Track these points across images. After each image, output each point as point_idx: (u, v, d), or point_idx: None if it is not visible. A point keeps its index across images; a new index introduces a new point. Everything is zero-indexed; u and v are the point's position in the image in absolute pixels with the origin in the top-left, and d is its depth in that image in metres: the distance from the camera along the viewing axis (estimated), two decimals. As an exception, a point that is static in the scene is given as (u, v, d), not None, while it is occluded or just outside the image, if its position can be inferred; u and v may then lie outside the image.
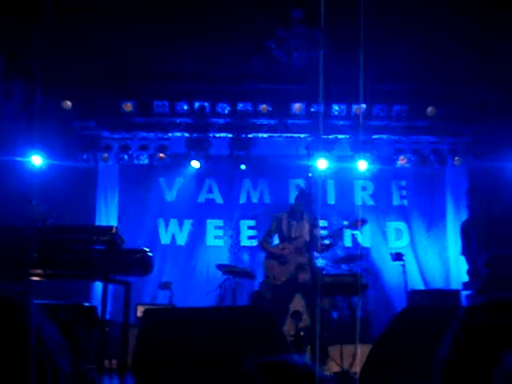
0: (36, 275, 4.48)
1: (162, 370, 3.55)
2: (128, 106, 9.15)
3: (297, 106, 8.87)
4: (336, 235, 7.56)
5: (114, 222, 9.04)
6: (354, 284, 6.17)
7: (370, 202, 9.59)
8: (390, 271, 8.86)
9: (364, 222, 7.26)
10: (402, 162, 9.30)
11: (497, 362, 1.06)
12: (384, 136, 9.29)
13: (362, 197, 9.61)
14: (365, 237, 9.43)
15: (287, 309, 6.68)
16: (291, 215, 7.38)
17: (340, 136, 9.21)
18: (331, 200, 9.51)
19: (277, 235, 7.52)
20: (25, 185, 7.56)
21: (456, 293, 7.66)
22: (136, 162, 9.54)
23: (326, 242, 7.36)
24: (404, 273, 8.13)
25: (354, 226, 7.26)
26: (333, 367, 5.92)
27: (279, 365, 1.37)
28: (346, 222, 7.92)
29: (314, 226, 7.18)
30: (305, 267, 7.05)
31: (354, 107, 8.99)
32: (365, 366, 4.84)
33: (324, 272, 7.38)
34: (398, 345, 4.26)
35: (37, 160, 8.81)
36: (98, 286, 6.89)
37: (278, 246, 7.42)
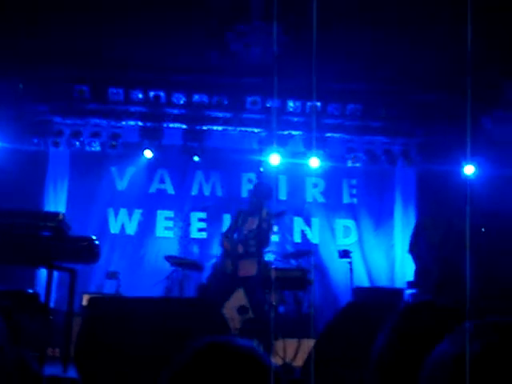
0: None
1: (106, 361, 3.53)
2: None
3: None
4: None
5: (62, 209, 8.87)
6: (302, 279, 6.24)
7: (321, 199, 9.70)
8: (337, 268, 8.97)
9: (282, 214, 7.42)
10: (353, 160, 9.43)
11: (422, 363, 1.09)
12: (337, 134, 9.39)
13: (313, 194, 9.70)
14: (314, 233, 9.53)
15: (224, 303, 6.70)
16: (250, 210, 7.37)
17: (294, 132, 9.26)
18: (283, 196, 9.58)
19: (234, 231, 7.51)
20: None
21: (400, 291, 7.81)
22: (88, 148, 9.39)
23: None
24: (351, 270, 8.24)
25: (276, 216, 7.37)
26: (276, 360, 5.98)
27: (223, 345, 1.35)
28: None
29: (264, 220, 7.18)
30: (246, 261, 7.06)
31: (309, 104, 9.06)
32: (307, 359, 4.92)
33: (273, 266, 7.43)
34: (340, 338, 4.34)
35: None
36: (43, 272, 6.79)
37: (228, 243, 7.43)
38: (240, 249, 7.20)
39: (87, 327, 3.60)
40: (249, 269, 7.03)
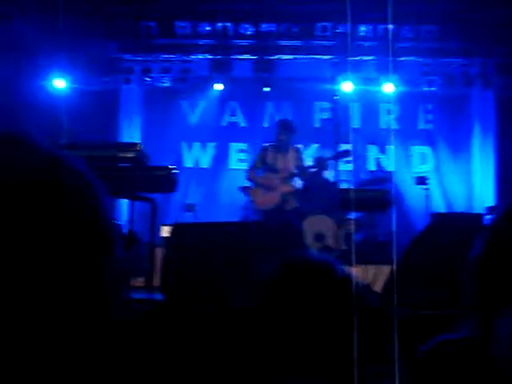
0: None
1: (190, 285, 3.60)
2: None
3: None
4: (320, 164, 7.39)
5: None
6: (382, 200, 6.11)
7: (395, 126, 9.45)
8: (414, 195, 8.82)
9: (346, 153, 7.13)
10: (428, 85, 9.10)
11: None
12: (411, 58, 9.05)
13: (387, 120, 9.47)
14: (389, 161, 9.35)
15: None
16: (276, 147, 7.20)
17: (366, 58, 8.99)
18: (356, 123, 9.39)
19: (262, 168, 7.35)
20: (49, 106, 7.53)
21: (479, 217, 7.61)
22: (159, 84, 9.45)
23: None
24: (427, 197, 8.08)
25: (336, 157, 7.10)
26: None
27: (303, 259, 1.33)
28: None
29: (298, 157, 7.11)
30: (291, 197, 7.00)
31: (381, 28, 8.74)
32: (386, 284, 4.89)
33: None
34: (421, 261, 4.28)
35: (60, 83, 8.78)
36: (123, 204, 6.97)
37: (262, 176, 7.30)
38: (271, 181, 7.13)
39: (172, 254, 3.67)
40: (290, 204, 6.99)
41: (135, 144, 4.55)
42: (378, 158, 9.36)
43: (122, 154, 4.48)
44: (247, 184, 8.71)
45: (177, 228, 4.11)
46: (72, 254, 0.69)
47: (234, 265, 3.31)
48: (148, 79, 9.44)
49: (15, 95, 8.13)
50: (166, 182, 4.45)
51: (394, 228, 7.11)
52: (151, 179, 4.38)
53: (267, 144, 7.34)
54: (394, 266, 4.18)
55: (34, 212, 0.68)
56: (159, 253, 5.58)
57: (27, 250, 0.66)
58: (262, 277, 1.33)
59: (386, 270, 6.10)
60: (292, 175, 7.07)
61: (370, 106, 9.36)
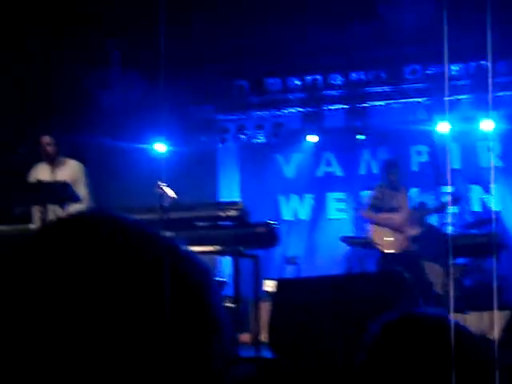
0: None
1: (299, 340, 3.57)
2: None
3: None
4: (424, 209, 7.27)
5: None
6: (488, 244, 5.87)
7: (499, 164, 9.11)
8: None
9: (457, 200, 6.94)
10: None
11: None
12: (509, 92, 8.78)
13: (488, 158, 9.15)
14: (494, 200, 8.99)
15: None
16: (390, 185, 7.13)
17: (460, 96, 8.79)
18: (456, 164, 9.14)
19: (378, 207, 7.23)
20: (150, 170, 7.83)
21: None
22: (253, 140, 9.66)
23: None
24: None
25: (444, 206, 6.88)
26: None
27: (414, 318, 1.29)
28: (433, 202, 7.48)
29: (408, 197, 7.12)
30: (417, 238, 6.81)
31: (473, 65, 8.56)
32: (504, 331, 4.63)
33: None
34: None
35: (160, 147, 9.13)
36: (225, 261, 7.06)
37: (383, 216, 7.15)
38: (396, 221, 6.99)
39: (278, 308, 3.67)
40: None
41: (236, 203, 4.65)
42: (482, 198, 9.03)
43: (223, 213, 4.57)
44: (350, 234, 8.64)
45: (281, 283, 4.11)
46: (183, 338, 0.70)
47: (341, 319, 3.26)
48: (243, 136, 9.67)
49: (118, 159, 8.54)
50: (267, 237, 4.49)
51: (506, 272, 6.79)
52: (253, 236, 4.44)
53: (380, 183, 7.31)
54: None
55: (149, 297, 0.69)
56: (264, 307, 5.59)
57: (142, 335, 0.67)
58: (368, 335, 1.31)
59: (501, 315, 5.81)
60: (414, 215, 6.96)
61: (468, 145, 9.10)
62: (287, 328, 3.55)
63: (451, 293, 5.89)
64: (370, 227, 7.24)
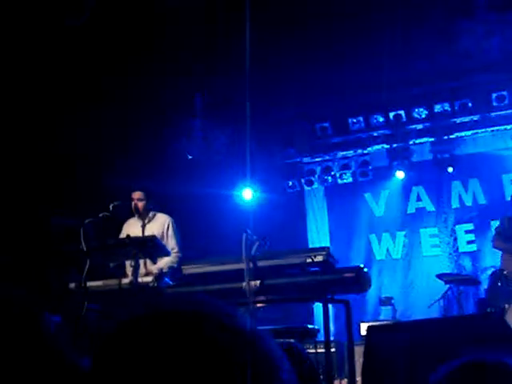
0: (258, 302, 4.65)
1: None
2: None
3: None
4: None
5: (326, 243, 9.14)
6: None
7: None
8: None
9: None
10: None
11: None
12: None
13: None
14: None
15: None
16: None
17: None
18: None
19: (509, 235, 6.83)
20: (238, 216, 7.92)
21: None
22: (340, 181, 9.59)
23: None
24: None
25: None
26: None
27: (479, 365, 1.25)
28: None
29: None
30: None
31: None
32: None
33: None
34: None
35: (247, 193, 9.25)
36: (319, 307, 6.97)
37: None
38: None
39: (368, 355, 3.57)
40: None
41: (323, 248, 4.60)
42: None
43: (310, 259, 4.53)
44: (446, 271, 8.34)
45: (372, 329, 4.01)
46: None
47: (435, 362, 3.12)
48: (329, 178, 9.63)
49: (206, 208, 8.69)
50: (356, 282, 4.39)
51: None
52: (341, 281, 4.36)
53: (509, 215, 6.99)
54: None
55: None
56: (359, 352, 5.47)
57: None
58: (438, 379, 1.28)
59: None
60: None
61: None
62: (379, 373, 3.44)
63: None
64: (502, 256, 6.85)
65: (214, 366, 0.75)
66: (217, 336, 0.78)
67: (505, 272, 6.57)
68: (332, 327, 7.86)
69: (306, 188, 9.73)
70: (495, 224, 8.60)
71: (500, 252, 6.88)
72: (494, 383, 1.15)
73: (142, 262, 5.52)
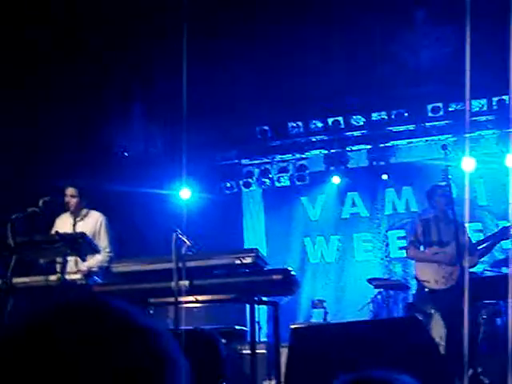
0: (186, 302, 4.65)
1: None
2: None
3: None
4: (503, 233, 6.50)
5: (262, 245, 9.21)
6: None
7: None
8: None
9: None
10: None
11: None
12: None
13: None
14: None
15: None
16: (439, 217, 6.57)
17: (483, 132, 8.74)
18: (482, 201, 9.01)
19: (423, 240, 6.67)
20: (175, 215, 7.90)
21: None
22: (277, 184, 9.68)
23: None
24: None
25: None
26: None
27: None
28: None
29: (460, 231, 6.21)
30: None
31: (495, 100, 8.51)
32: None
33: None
34: None
35: (185, 193, 9.22)
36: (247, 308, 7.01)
37: (426, 251, 6.65)
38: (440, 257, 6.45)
39: (291, 356, 3.63)
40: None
41: (252, 249, 4.64)
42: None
43: (239, 261, 4.56)
44: (377, 275, 8.52)
45: (296, 331, 4.07)
46: None
47: (355, 367, 3.20)
48: (267, 180, 9.70)
49: (142, 208, 8.63)
50: (284, 284, 4.45)
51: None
52: (269, 283, 4.40)
53: (426, 215, 6.69)
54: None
55: None
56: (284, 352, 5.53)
57: None
58: None
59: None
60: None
61: (494, 181, 8.97)
62: (301, 375, 3.50)
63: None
64: (416, 265, 6.71)
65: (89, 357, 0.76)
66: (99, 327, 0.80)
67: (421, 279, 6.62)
68: (266, 329, 7.96)
69: (244, 190, 9.77)
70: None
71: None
72: None
73: (72, 259, 5.43)
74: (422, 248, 6.69)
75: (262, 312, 7.56)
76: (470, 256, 6.22)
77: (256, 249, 4.72)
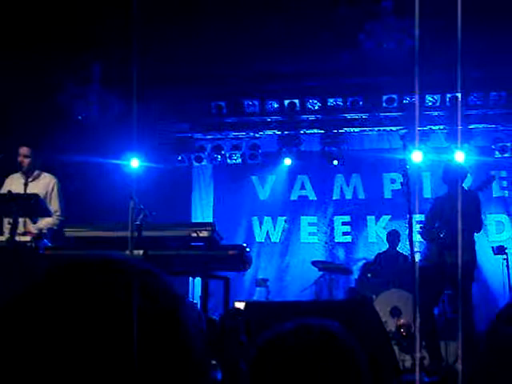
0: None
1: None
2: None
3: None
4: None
5: (209, 220, 9.20)
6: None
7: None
8: (492, 265, 8.52)
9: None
10: (500, 151, 8.94)
11: None
12: (481, 125, 8.97)
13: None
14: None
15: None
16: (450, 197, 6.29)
17: (434, 127, 8.96)
18: (427, 193, 9.27)
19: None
20: (125, 185, 7.81)
21: None
22: (229, 161, 9.67)
23: None
24: (508, 267, 7.80)
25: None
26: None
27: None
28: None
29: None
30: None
31: (448, 97, 8.74)
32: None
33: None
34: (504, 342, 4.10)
35: (135, 163, 9.10)
36: (197, 282, 7.04)
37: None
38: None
39: (245, 330, 3.67)
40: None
41: (208, 224, 4.66)
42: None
43: (195, 234, 4.58)
44: (321, 258, 8.66)
45: (249, 305, 4.12)
46: (155, 363, 0.74)
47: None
48: (219, 156, 9.68)
49: (92, 174, 8.51)
50: (238, 260, 4.50)
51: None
52: (224, 258, 4.45)
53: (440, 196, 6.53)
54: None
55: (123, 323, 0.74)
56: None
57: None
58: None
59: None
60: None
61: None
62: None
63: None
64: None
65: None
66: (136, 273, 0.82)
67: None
68: (199, 304, 8.00)
69: (195, 164, 9.72)
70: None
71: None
72: (320, 343, 1.28)
73: (21, 220, 5.31)
74: None
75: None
76: None
77: (212, 223, 4.76)
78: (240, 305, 7.08)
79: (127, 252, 4.35)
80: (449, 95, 8.75)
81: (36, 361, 0.72)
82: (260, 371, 1.26)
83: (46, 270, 0.81)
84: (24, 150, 5.76)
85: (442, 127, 8.95)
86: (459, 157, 8.74)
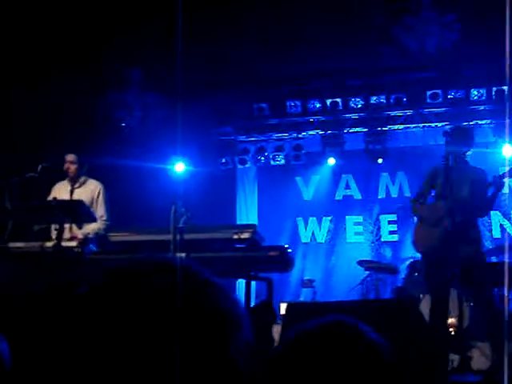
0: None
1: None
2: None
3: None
4: (497, 183, 5.63)
5: (254, 222, 9.23)
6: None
7: (518, 189, 9.02)
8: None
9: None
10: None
11: None
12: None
13: (509, 184, 9.05)
14: (514, 226, 8.90)
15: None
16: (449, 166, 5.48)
17: (481, 122, 8.77)
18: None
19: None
20: (171, 190, 7.91)
21: None
22: (272, 162, 9.68)
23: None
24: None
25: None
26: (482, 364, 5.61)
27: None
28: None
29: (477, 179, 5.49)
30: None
31: (494, 90, 8.54)
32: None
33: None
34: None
35: (179, 167, 9.20)
36: (242, 284, 7.06)
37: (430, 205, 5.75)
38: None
39: (286, 332, 3.66)
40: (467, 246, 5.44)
41: (250, 225, 4.68)
42: (502, 224, 8.93)
43: (237, 236, 4.59)
44: (367, 258, 8.57)
45: (290, 307, 4.11)
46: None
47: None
48: (262, 158, 9.70)
49: (137, 179, 8.64)
50: (280, 261, 4.49)
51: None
52: (266, 259, 4.44)
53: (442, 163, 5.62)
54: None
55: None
56: (278, 330, 5.58)
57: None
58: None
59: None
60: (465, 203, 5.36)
61: (489, 169, 9.00)
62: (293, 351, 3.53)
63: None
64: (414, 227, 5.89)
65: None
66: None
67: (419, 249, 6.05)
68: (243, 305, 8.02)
69: (239, 166, 9.77)
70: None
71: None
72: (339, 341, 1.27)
73: (67, 226, 5.44)
74: None
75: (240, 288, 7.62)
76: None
77: (254, 225, 4.77)
78: (285, 306, 7.08)
79: (169, 255, 4.40)
80: (495, 88, 8.55)
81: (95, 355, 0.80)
82: (280, 370, 1.26)
83: (105, 271, 0.86)
84: (70, 157, 5.90)
85: (488, 121, 8.75)
86: (507, 151, 8.53)
